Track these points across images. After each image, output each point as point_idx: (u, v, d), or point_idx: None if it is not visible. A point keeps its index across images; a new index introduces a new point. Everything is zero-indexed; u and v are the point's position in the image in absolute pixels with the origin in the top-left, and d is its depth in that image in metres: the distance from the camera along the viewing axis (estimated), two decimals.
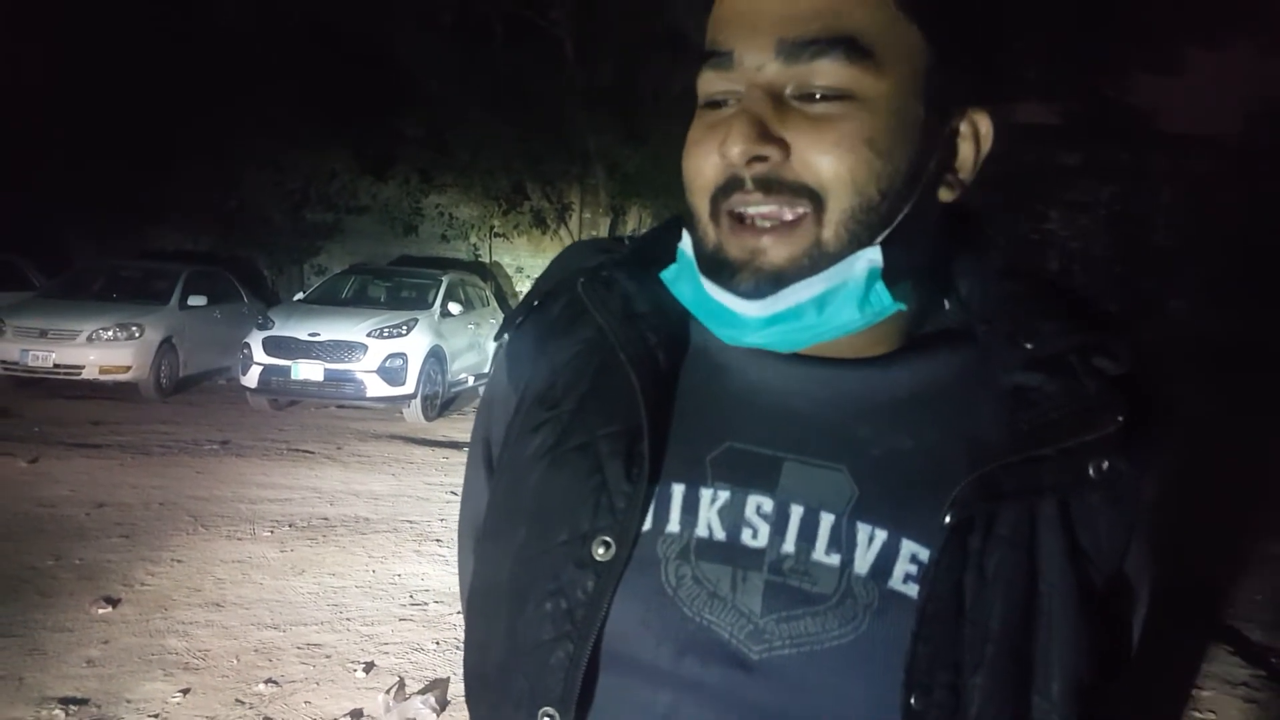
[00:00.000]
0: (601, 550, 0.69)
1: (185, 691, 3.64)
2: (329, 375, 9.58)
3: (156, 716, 3.46)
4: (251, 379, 9.68)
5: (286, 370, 9.58)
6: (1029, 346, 0.70)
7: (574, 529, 0.71)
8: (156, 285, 11.31)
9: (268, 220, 15.09)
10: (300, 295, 11.76)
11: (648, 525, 0.70)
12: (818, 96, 0.65)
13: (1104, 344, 0.70)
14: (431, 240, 15.55)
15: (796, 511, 0.69)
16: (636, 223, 14.26)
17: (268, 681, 3.76)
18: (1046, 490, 0.68)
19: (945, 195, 0.72)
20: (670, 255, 0.76)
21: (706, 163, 0.68)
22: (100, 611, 4.31)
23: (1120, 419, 0.67)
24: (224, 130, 13.44)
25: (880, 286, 0.67)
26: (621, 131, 12.20)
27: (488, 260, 15.71)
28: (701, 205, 0.69)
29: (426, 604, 4.68)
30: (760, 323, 0.68)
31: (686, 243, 0.73)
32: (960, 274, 0.76)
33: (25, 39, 12.99)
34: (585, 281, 0.77)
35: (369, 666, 3.95)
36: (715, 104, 0.69)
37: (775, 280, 0.66)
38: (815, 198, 0.65)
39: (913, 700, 0.65)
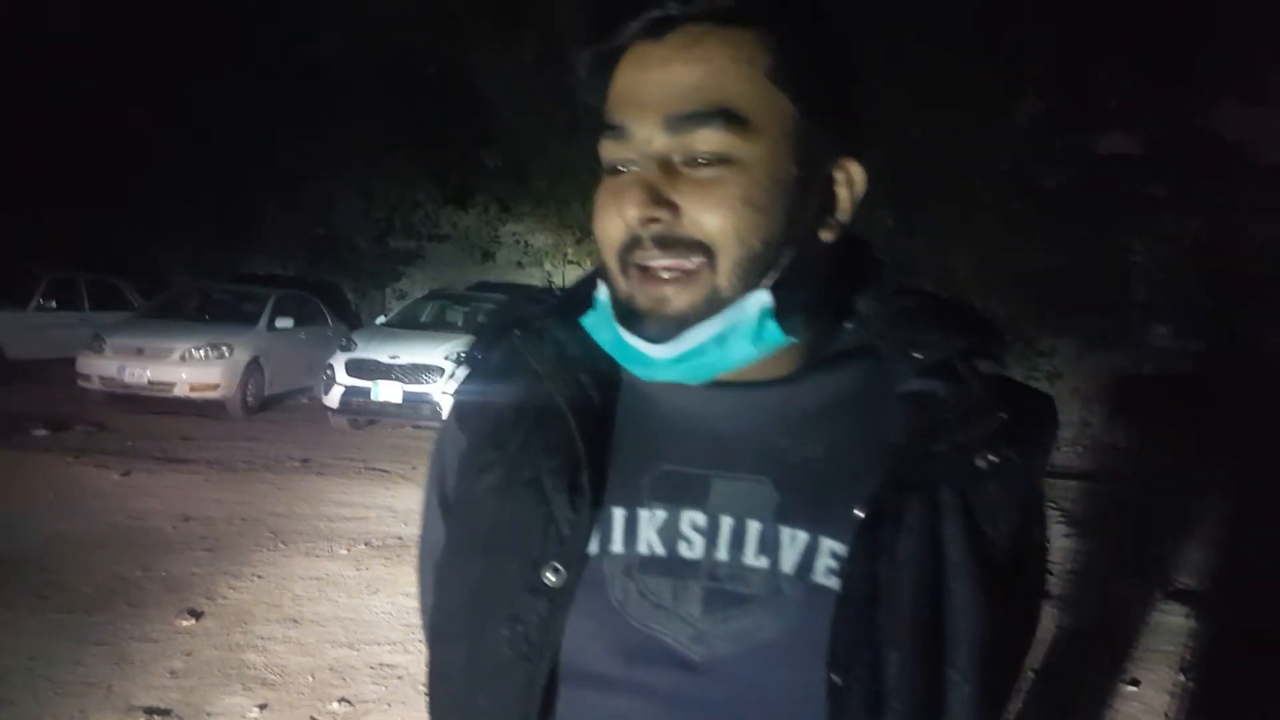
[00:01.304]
0: (552, 576, 0.77)
1: (262, 707, 3.76)
2: (407, 397, 9.80)
3: None
4: (333, 399, 9.96)
5: (367, 391, 9.84)
6: (918, 356, 0.79)
7: (525, 557, 0.78)
8: (246, 307, 11.71)
9: (354, 247, 15.58)
10: (382, 319, 12.08)
11: (594, 548, 0.78)
12: (701, 161, 0.73)
13: (984, 348, 0.80)
14: (508, 267, 15.82)
15: (727, 522, 0.77)
16: None
17: (341, 700, 3.87)
18: (942, 482, 0.76)
19: (826, 236, 0.80)
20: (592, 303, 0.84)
21: (611, 224, 0.76)
22: (184, 624, 4.47)
23: (1003, 416, 0.76)
24: (315, 160, 13.92)
25: (772, 324, 0.75)
26: None
27: (561, 287, 15.89)
28: (612, 260, 0.78)
29: None
30: (668, 362, 0.76)
31: (603, 292, 0.81)
32: (859, 297, 0.85)
33: (130, 74, 13.59)
34: (520, 333, 0.86)
35: None
36: (615, 170, 0.77)
37: (678, 325, 0.75)
38: (707, 250, 0.74)
39: (836, 678, 0.72)
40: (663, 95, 0.74)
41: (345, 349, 10.26)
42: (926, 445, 0.76)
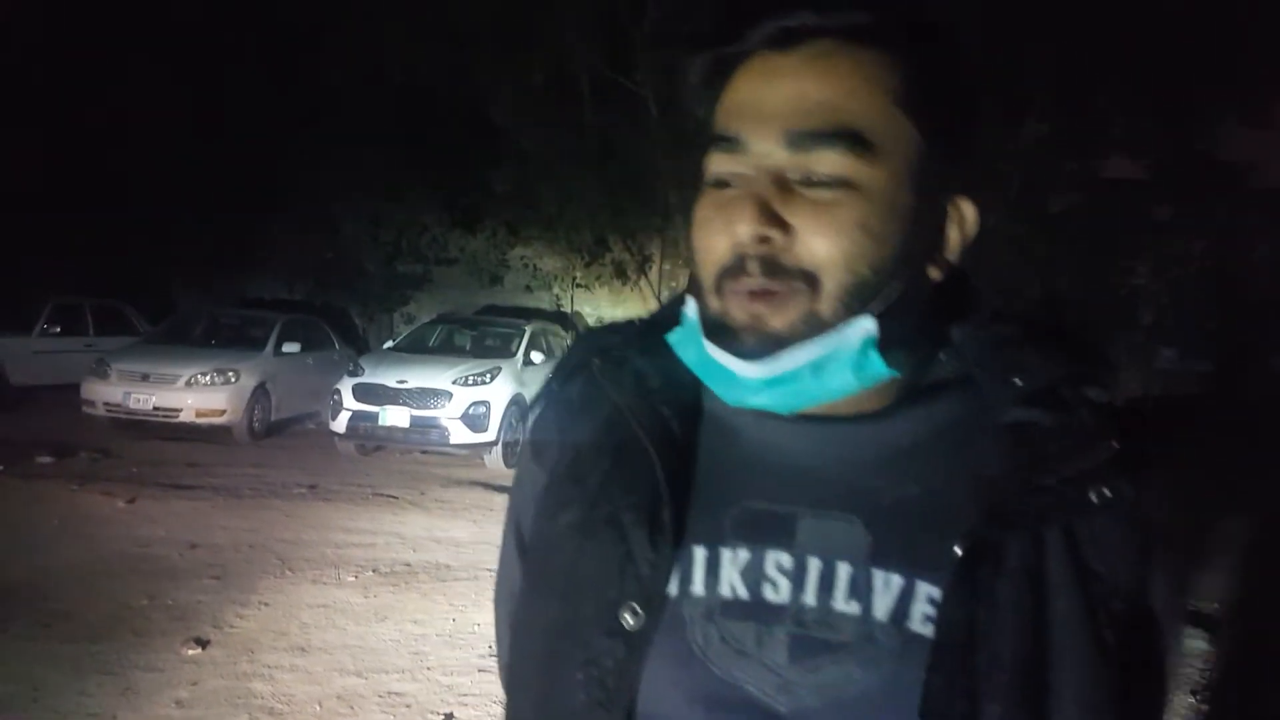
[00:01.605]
0: (630, 618, 0.73)
1: None
2: (415, 422, 9.78)
3: None
4: (340, 424, 9.93)
5: (374, 416, 9.81)
6: (1019, 383, 0.74)
7: (602, 598, 0.74)
8: (253, 332, 11.73)
9: (362, 271, 15.63)
10: (390, 343, 12.08)
11: (673, 590, 0.74)
12: (819, 182, 0.70)
13: (1092, 374, 0.74)
14: (516, 291, 15.87)
15: (814, 564, 0.72)
16: None
17: None
18: (1050, 518, 0.71)
19: (933, 274, 0.77)
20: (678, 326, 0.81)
21: (715, 240, 0.73)
22: (190, 653, 4.42)
23: (1115, 445, 0.70)
24: (324, 185, 13.98)
25: (875, 355, 0.71)
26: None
27: (569, 310, 15.93)
28: (709, 278, 0.74)
29: None
30: (759, 384, 0.71)
31: (691, 307, 0.77)
32: (954, 324, 0.80)
33: (138, 97, 13.68)
34: (600, 363, 0.83)
35: (449, 718, 3.98)
36: (722, 184, 0.73)
37: (775, 343, 0.70)
38: (811, 279, 0.70)
39: None
40: (787, 109, 0.70)
41: (352, 374, 10.25)
42: (1030, 478, 0.70)
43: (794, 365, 0.71)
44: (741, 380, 0.72)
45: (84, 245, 14.47)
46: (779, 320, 0.70)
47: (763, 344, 0.70)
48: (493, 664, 4.57)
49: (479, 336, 11.89)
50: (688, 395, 0.80)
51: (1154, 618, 0.75)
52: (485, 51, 12.08)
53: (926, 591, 0.70)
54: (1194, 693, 4.65)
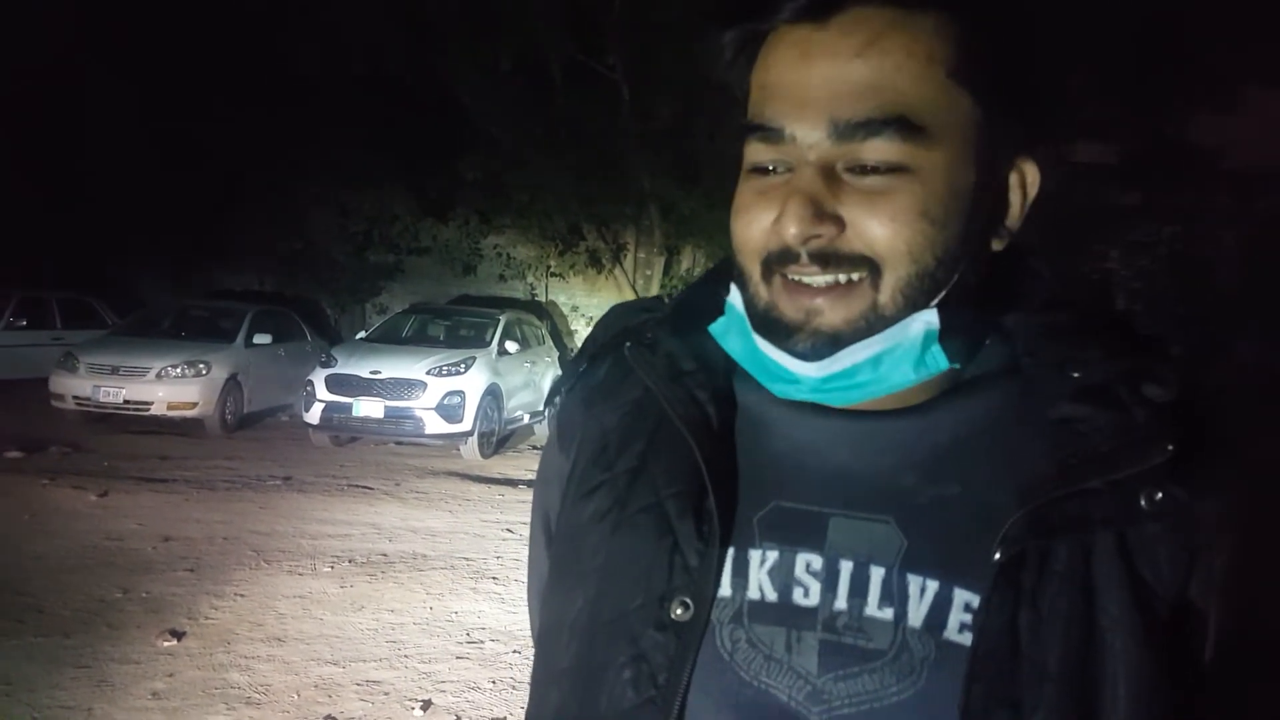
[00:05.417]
0: (680, 610, 0.69)
1: None
2: (389, 412, 9.73)
3: None
4: (314, 416, 9.87)
5: (348, 407, 9.75)
6: (1076, 376, 0.69)
7: (649, 592, 0.70)
8: (224, 324, 11.60)
9: (332, 261, 15.50)
10: (362, 334, 12.01)
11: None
12: (871, 170, 0.65)
13: (1152, 370, 0.68)
14: (489, 280, 15.79)
15: (846, 567, 0.68)
16: (690, 262, 14.33)
17: (327, 718, 3.81)
18: (1098, 524, 0.66)
19: (995, 245, 0.72)
20: (713, 307, 0.76)
21: (757, 230, 0.68)
22: (165, 644, 4.40)
23: (1170, 448, 0.65)
24: (292, 175, 13.85)
25: (936, 349, 0.67)
26: (676, 173, 12.30)
27: (544, 299, 15.88)
28: (753, 267, 0.69)
29: (483, 642, 4.70)
30: (815, 382, 0.68)
31: (735, 297, 0.73)
32: (1007, 309, 0.75)
33: (103, 89, 13.49)
34: (630, 344, 0.78)
35: (426, 704, 3.98)
36: (762, 170, 0.69)
37: (832, 342, 0.66)
38: (872, 266, 0.66)
39: None
40: (830, 94, 0.64)
41: (325, 365, 10.17)
42: (1078, 480, 0.65)
43: (852, 363, 0.67)
44: (796, 377, 0.69)
45: (49, 238, 14.27)
46: (837, 315, 0.66)
47: (819, 343, 0.67)
48: (470, 651, 4.58)
49: (453, 326, 11.83)
50: (722, 382, 0.76)
51: (1197, 612, 0.69)
52: (453, 37, 11.99)
53: (964, 599, 0.66)
54: None
